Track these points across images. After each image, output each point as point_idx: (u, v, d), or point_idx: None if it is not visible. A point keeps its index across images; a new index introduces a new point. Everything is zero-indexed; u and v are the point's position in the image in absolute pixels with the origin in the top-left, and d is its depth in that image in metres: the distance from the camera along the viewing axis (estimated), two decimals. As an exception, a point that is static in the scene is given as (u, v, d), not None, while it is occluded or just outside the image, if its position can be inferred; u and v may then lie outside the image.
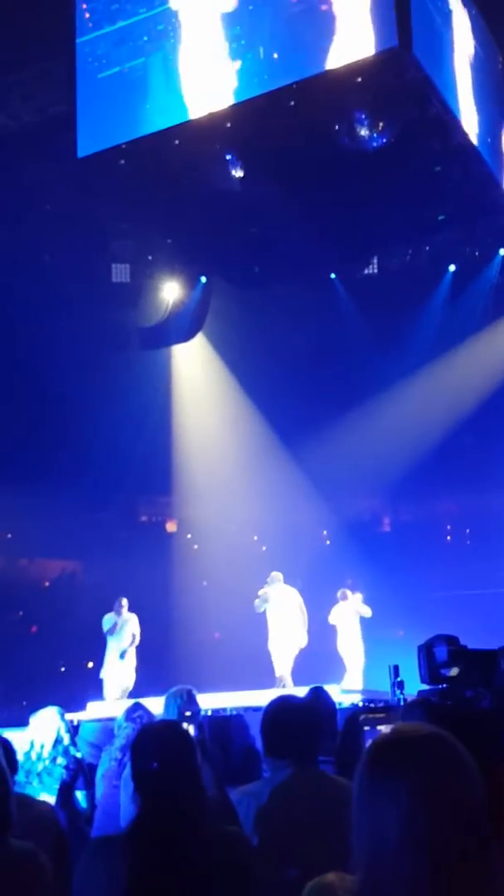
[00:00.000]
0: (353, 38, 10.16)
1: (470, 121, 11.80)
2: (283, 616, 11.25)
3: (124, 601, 11.33)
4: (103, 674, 11.29)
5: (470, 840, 1.40)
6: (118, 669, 11.21)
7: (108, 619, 11.28)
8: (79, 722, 8.00)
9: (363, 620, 12.01)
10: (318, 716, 3.26)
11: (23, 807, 3.30)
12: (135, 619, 11.33)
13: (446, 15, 11.34)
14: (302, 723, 3.08)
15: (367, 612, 11.95)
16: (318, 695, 5.29)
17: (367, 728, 3.08)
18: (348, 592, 12.10)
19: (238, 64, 10.80)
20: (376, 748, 1.51)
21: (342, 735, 4.88)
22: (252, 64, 10.66)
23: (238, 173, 12.26)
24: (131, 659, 11.29)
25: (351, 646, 11.81)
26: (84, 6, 11.33)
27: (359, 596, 12.12)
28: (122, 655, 11.22)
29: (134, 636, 11.27)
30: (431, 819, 1.39)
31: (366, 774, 1.48)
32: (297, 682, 10.41)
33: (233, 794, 3.04)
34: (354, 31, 10.16)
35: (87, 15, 11.33)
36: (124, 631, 11.23)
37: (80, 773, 5.58)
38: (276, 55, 10.62)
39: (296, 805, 2.83)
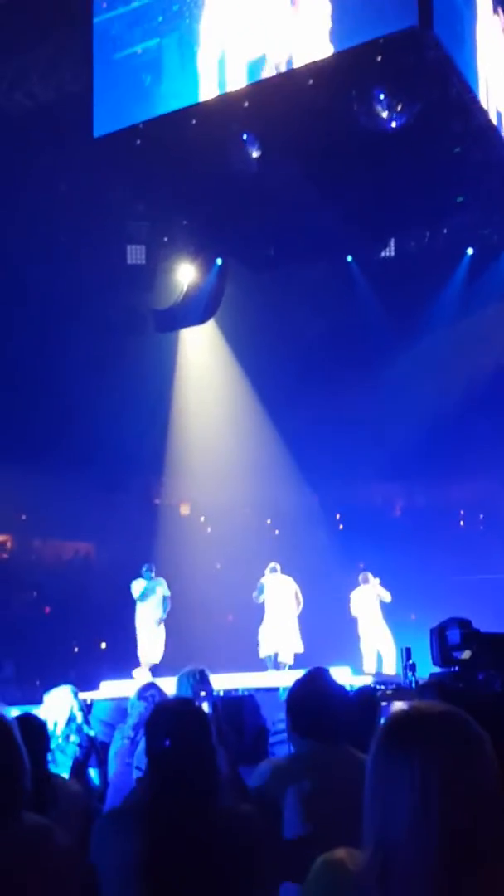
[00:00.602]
0: (373, 17, 10.06)
1: (491, 102, 11.66)
2: (280, 604, 11.31)
3: (152, 566, 11.31)
4: (140, 639, 11.17)
5: (482, 819, 1.38)
6: (153, 638, 11.11)
7: (137, 584, 11.19)
8: (92, 701, 8.05)
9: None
10: (346, 694, 3.29)
11: (54, 787, 3.34)
12: (164, 584, 11.26)
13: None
14: (333, 701, 3.10)
15: (387, 595, 11.94)
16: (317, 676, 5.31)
17: (384, 703, 3.11)
18: (370, 576, 12.08)
19: (255, 43, 10.72)
20: (392, 723, 1.49)
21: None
22: (270, 42, 10.57)
23: (255, 154, 12.16)
24: (162, 632, 11.23)
25: (373, 630, 11.78)
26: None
27: (377, 580, 12.12)
28: (158, 623, 11.14)
29: (166, 599, 11.23)
30: (444, 796, 1.37)
31: (381, 749, 1.47)
32: (307, 665, 10.44)
33: (262, 767, 3.03)
34: (374, 9, 10.05)
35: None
36: (155, 595, 11.19)
37: (92, 750, 5.63)
38: (294, 34, 10.51)
39: (337, 782, 2.82)
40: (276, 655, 11.19)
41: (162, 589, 11.21)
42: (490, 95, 11.65)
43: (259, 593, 11.46)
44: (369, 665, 11.45)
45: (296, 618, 11.33)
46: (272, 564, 11.67)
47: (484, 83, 11.45)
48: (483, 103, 11.42)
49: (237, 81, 10.78)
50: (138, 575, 11.36)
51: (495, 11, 11.97)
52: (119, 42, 11.16)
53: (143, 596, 11.10)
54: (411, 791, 1.39)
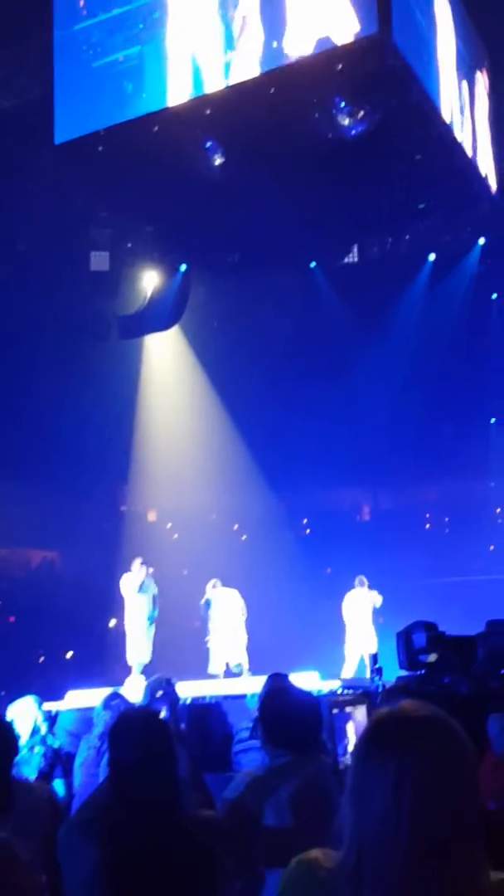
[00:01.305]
0: (334, 25, 10.13)
1: (452, 111, 11.80)
2: (225, 617, 11.31)
3: (140, 560, 11.16)
4: (131, 640, 10.96)
5: (454, 822, 1.38)
6: (144, 638, 10.93)
7: (132, 579, 10.96)
8: (57, 711, 7.98)
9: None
10: (319, 705, 3.32)
11: (19, 791, 3.31)
12: (153, 582, 11.11)
13: (429, 5, 11.34)
14: (306, 712, 3.12)
15: (379, 599, 11.97)
16: (285, 685, 5.32)
17: (335, 711, 3.13)
18: (365, 580, 12.08)
19: (218, 50, 10.75)
20: (375, 723, 1.50)
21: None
22: (232, 50, 10.61)
23: (218, 160, 12.16)
24: (152, 632, 11.06)
25: (362, 635, 11.74)
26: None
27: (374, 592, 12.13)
28: (151, 620, 10.99)
29: (155, 597, 11.07)
30: (416, 799, 1.38)
31: (360, 747, 1.48)
32: (270, 669, 10.40)
33: (238, 779, 3.04)
34: (335, 17, 10.12)
35: (82, 3, 11.24)
36: (150, 590, 11.00)
37: (57, 762, 5.60)
38: (255, 42, 10.56)
39: (312, 792, 2.87)
40: (227, 667, 11.17)
41: (153, 586, 11.11)
42: (451, 104, 11.81)
43: (206, 610, 11.44)
44: (349, 670, 11.42)
45: (244, 630, 11.32)
46: (213, 580, 11.68)
47: (444, 91, 11.60)
48: (444, 112, 11.55)
49: (201, 88, 10.80)
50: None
51: (459, 24, 12.19)
52: (99, 49, 11.18)
53: (143, 588, 10.94)
54: (384, 791, 1.39)
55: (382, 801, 1.39)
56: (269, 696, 3.27)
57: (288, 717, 3.07)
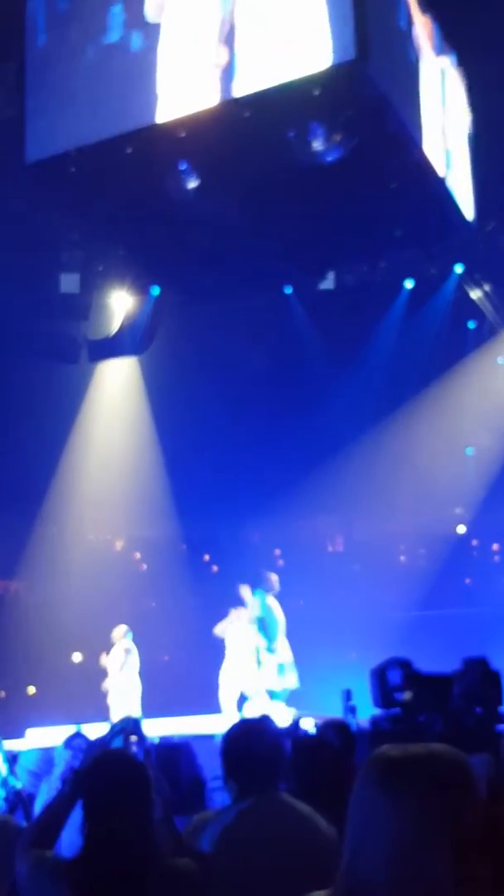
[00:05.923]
0: (311, 50, 10.09)
1: (431, 139, 11.81)
2: (133, 670, 10.96)
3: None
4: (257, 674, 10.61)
5: (456, 861, 1.35)
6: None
7: (258, 598, 10.61)
8: (18, 750, 7.68)
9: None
10: (281, 742, 3.22)
11: None
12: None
13: (408, 32, 11.39)
14: (266, 748, 3.04)
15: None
16: (251, 721, 5.24)
17: None
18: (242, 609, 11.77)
19: (193, 72, 10.67)
20: (373, 762, 1.48)
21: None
22: (207, 72, 10.54)
23: (192, 183, 12.08)
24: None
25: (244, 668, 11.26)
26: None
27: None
28: (271, 649, 10.64)
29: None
30: (419, 841, 1.36)
31: (359, 783, 1.47)
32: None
33: (194, 819, 3.00)
34: (312, 42, 10.09)
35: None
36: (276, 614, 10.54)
37: (19, 803, 5.46)
38: (232, 64, 10.50)
39: (258, 833, 2.77)
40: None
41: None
42: (429, 132, 11.81)
43: (127, 657, 11.04)
44: (229, 708, 10.86)
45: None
46: (125, 627, 11.31)
47: (422, 119, 11.61)
48: (420, 140, 11.55)
49: (175, 110, 10.70)
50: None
51: (439, 53, 12.26)
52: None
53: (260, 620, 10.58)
54: (387, 833, 1.38)
55: (385, 844, 1.38)
56: (232, 730, 3.14)
57: (249, 748, 2.97)
